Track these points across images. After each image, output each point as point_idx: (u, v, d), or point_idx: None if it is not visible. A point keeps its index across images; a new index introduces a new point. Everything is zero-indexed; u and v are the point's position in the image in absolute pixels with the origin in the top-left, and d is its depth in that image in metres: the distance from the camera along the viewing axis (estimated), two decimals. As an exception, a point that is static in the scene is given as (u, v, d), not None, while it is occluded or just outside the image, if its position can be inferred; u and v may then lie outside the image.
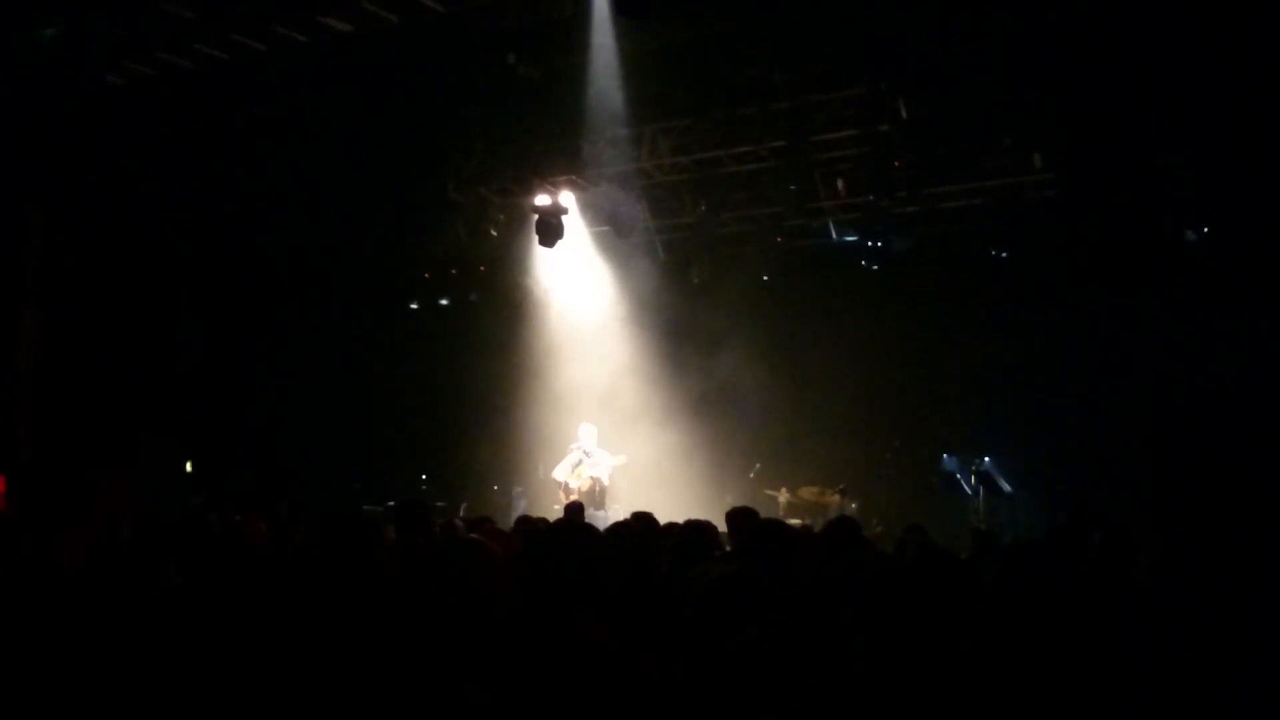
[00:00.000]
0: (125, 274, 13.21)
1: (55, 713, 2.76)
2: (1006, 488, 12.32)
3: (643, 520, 5.58)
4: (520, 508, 13.67)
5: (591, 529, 3.92)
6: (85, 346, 12.78)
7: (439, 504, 13.63)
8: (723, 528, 5.67)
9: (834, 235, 14.09)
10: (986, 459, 12.46)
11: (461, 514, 11.58)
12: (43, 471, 11.62)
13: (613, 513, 11.86)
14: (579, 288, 15.41)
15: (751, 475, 13.96)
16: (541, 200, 13.99)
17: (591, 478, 12.96)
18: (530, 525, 6.41)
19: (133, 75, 11.43)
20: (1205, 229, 11.82)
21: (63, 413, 12.40)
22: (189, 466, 14.10)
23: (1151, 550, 5.02)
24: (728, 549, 5.39)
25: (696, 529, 5.05)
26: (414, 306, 16.43)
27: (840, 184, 13.04)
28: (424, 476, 15.79)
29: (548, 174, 13.94)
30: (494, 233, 14.87)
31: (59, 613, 3.30)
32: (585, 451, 13.14)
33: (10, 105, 10.98)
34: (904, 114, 11.60)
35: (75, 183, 12.19)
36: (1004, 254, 13.02)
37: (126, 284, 13.27)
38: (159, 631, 3.16)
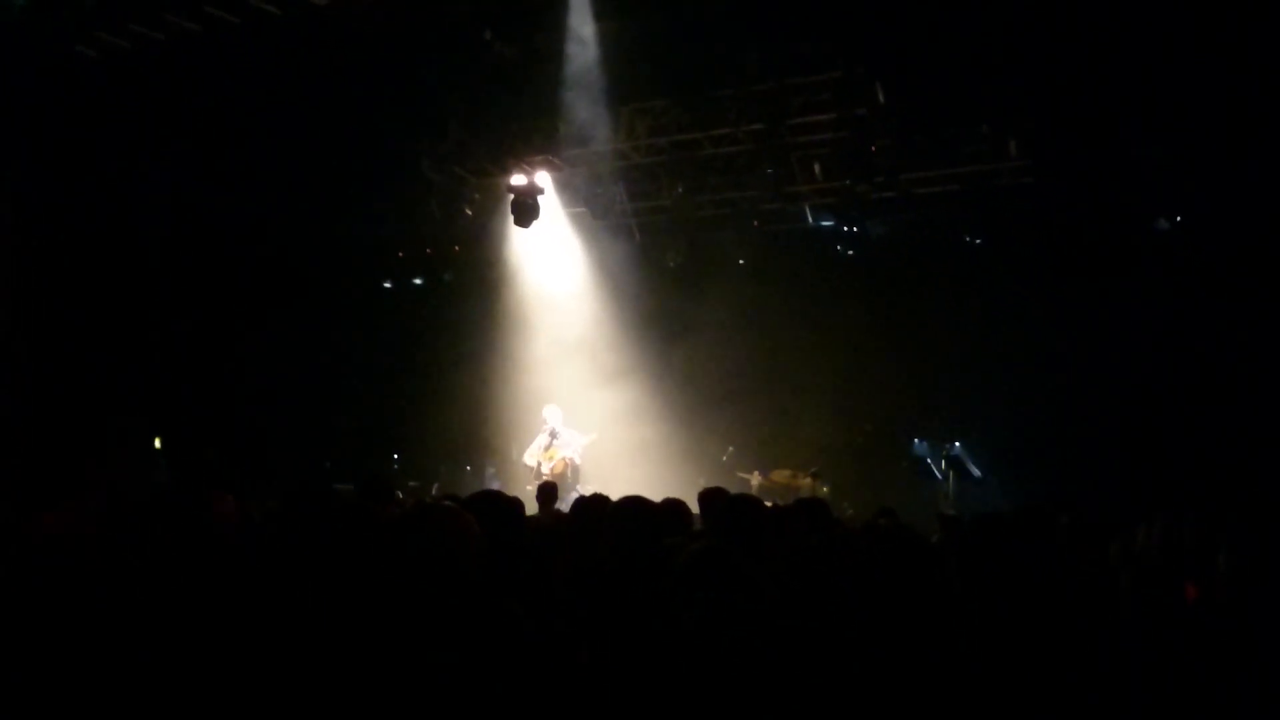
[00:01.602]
0: (94, 251, 13.04)
1: (32, 686, 2.73)
2: (976, 473, 12.41)
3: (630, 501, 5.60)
4: (493, 488, 13.63)
5: (508, 504, 3.93)
6: (53, 324, 12.63)
7: (411, 484, 13.60)
8: (697, 511, 5.67)
9: (810, 220, 14.11)
10: (957, 444, 12.55)
11: (433, 494, 11.56)
12: (17, 450, 11.50)
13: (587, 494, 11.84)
14: (554, 269, 15.36)
15: (725, 459, 13.99)
16: (517, 180, 13.92)
17: (564, 459, 12.95)
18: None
19: (104, 47, 11.25)
20: (1177, 218, 11.90)
21: (32, 391, 12.27)
22: (158, 444, 13.99)
23: (1121, 537, 5.08)
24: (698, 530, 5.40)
25: (671, 508, 5.05)
26: (387, 286, 16.35)
27: (817, 168, 13.04)
28: (395, 456, 15.75)
29: (524, 154, 13.86)
30: (469, 212, 14.76)
31: (33, 589, 3.28)
32: (553, 432, 13.13)
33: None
34: (881, 98, 11.60)
35: (47, 156, 12.03)
36: (978, 240, 13.07)
37: (95, 261, 13.10)
38: (133, 606, 3.13)
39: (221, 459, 13.52)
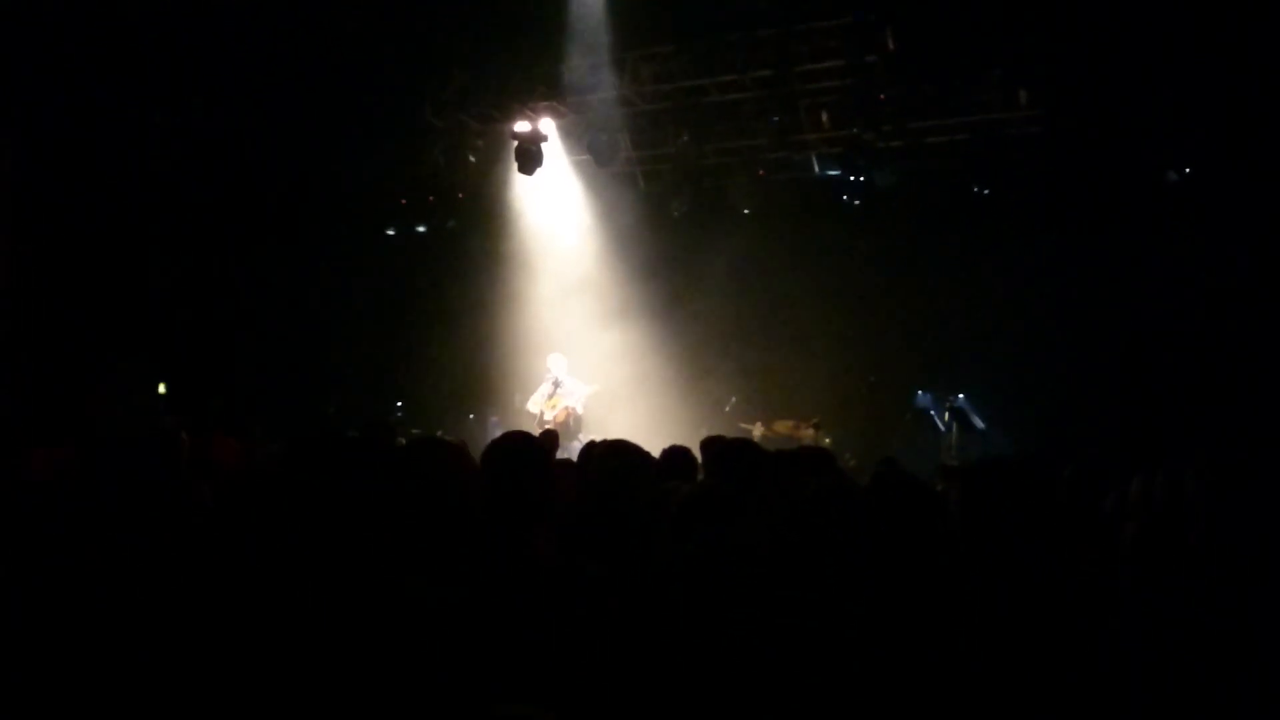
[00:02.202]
0: (97, 193, 12.97)
1: (29, 629, 2.73)
2: (980, 425, 12.39)
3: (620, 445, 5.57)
4: (496, 435, 13.65)
5: (531, 444, 3.90)
6: (57, 266, 12.60)
7: (415, 431, 13.61)
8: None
9: (816, 169, 13.99)
10: (961, 396, 12.51)
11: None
12: (14, 392, 11.52)
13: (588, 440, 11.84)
14: (558, 217, 15.27)
15: (727, 409, 13.98)
16: (521, 127, 13.81)
17: (566, 408, 12.94)
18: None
19: (103, -13, 11.13)
20: (1187, 169, 11.78)
21: (34, 333, 12.26)
22: (163, 389, 14.00)
23: (1122, 490, 5.07)
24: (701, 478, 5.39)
25: (676, 455, 5.05)
26: (390, 233, 16.24)
27: (824, 116, 12.91)
28: (399, 404, 15.75)
29: (528, 100, 13.72)
30: (473, 159, 14.66)
31: (31, 530, 3.28)
32: (556, 381, 13.11)
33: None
34: (891, 46, 11.46)
35: (44, 98, 11.93)
36: (986, 191, 12.94)
37: (98, 204, 13.04)
38: (131, 548, 3.13)
39: (226, 405, 13.54)
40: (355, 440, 4.85)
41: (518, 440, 3.61)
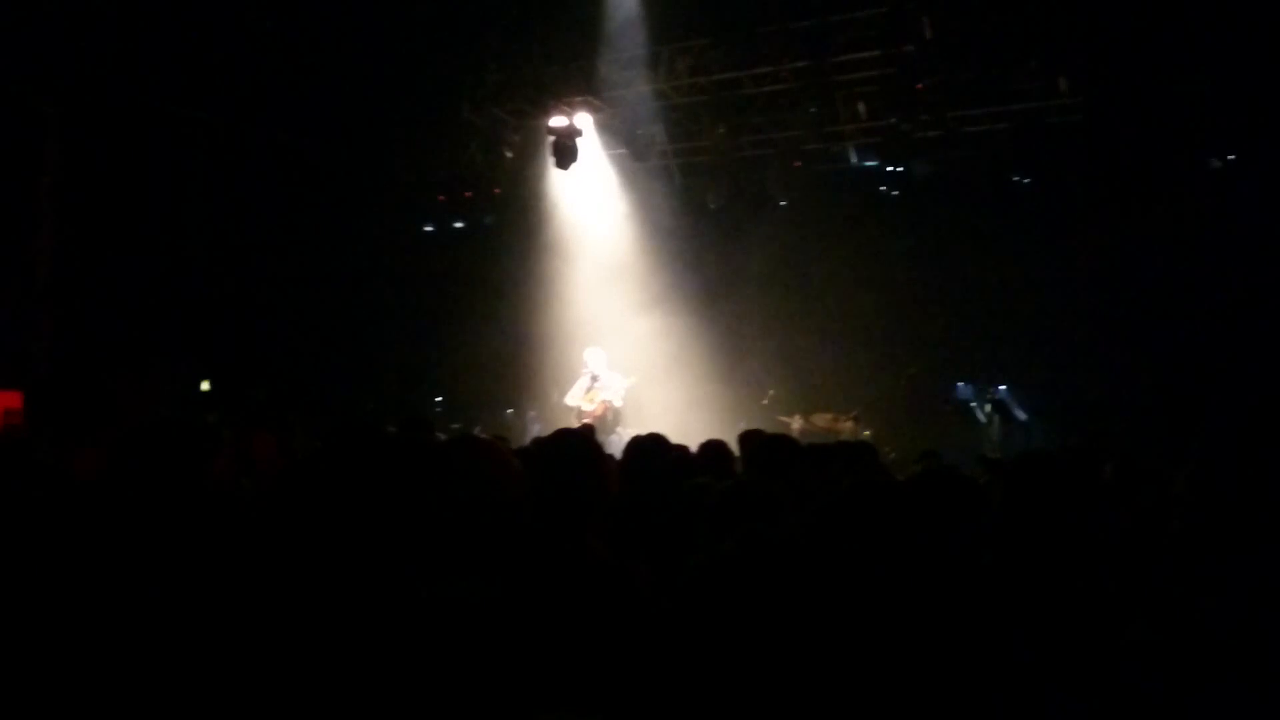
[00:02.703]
0: (138, 192, 13.14)
1: (74, 622, 2.76)
2: (1021, 416, 12.28)
3: (656, 439, 5.57)
4: (534, 431, 13.70)
5: (585, 442, 3.90)
6: (100, 265, 12.77)
7: (454, 426, 13.68)
8: (737, 453, 5.64)
9: (854, 160, 13.90)
10: (1002, 387, 12.41)
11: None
12: (60, 388, 11.68)
13: (627, 436, 11.84)
14: (594, 211, 15.28)
15: (765, 402, 13.95)
16: (557, 122, 13.83)
17: (604, 401, 12.94)
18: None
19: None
20: (1230, 156, 11.60)
21: (79, 332, 12.44)
22: (205, 386, 14.15)
23: (1164, 484, 4.99)
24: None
25: (712, 449, 5.04)
26: (429, 229, 16.33)
27: (861, 107, 12.82)
28: (438, 399, 15.84)
29: (563, 95, 13.75)
30: (509, 155, 14.72)
31: (78, 523, 3.31)
32: (594, 375, 13.11)
33: (22, 18, 10.84)
34: (928, 34, 11.35)
35: (90, 97, 12.09)
36: (1026, 180, 12.81)
37: (140, 203, 13.21)
38: (177, 541, 3.15)
39: (267, 402, 13.68)
40: (393, 436, 4.88)
41: (572, 438, 3.61)
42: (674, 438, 6.06)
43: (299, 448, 5.92)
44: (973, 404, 12.73)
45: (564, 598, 2.49)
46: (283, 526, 2.86)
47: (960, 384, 13.11)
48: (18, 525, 3.38)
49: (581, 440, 3.55)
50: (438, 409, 15.63)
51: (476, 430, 13.29)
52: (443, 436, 8.67)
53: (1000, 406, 12.32)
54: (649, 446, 5.12)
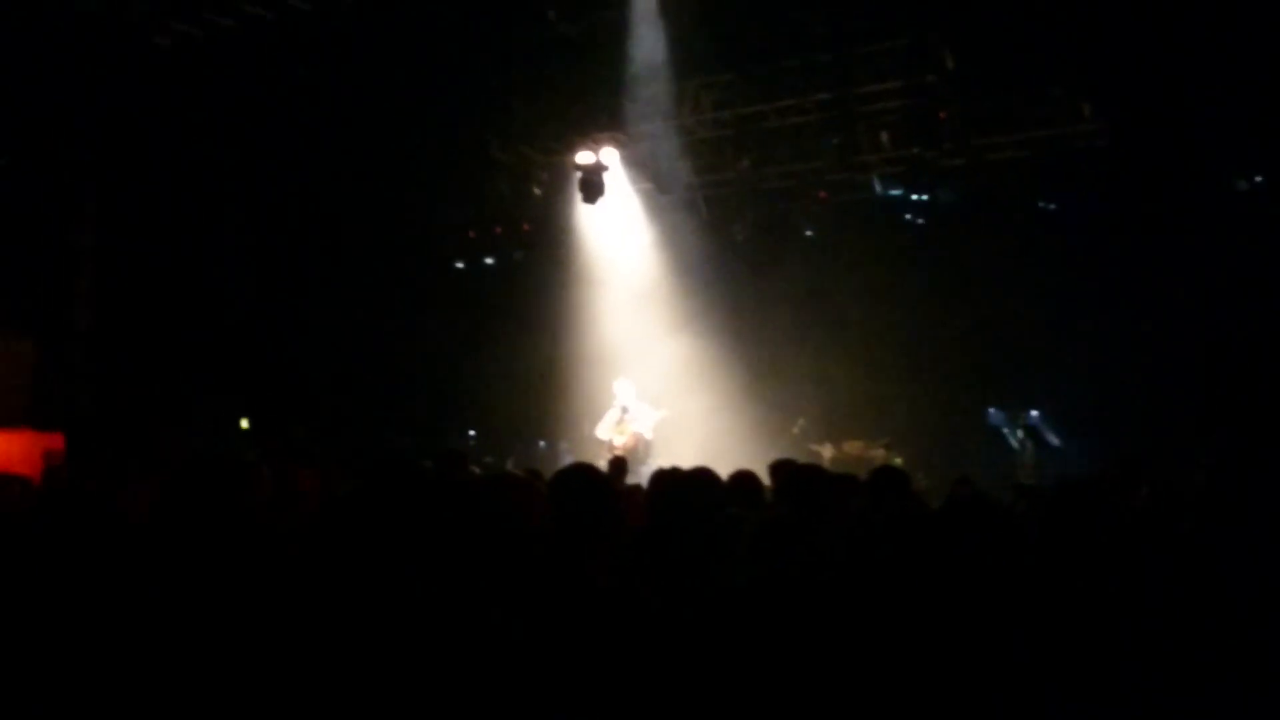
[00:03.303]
0: (176, 235, 13.38)
1: (127, 657, 2.84)
2: (1055, 441, 12.22)
3: (679, 472, 5.65)
4: (567, 463, 13.75)
5: (597, 477, 3.99)
6: (139, 308, 12.99)
7: (487, 459, 13.77)
8: (767, 482, 5.69)
9: (878, 189, 13.95)
10: (1034, 412, 12.36)
11: (509, 469, 11.69)
12: (103, 430, 11.87)
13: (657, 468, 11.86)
14: (622, 245, 15.40)
15: (795, 431, 13.96)
16: (584, 158, 13.99)
17: (634, 433, 13.00)
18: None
19: (179, 36, 11.52)
20: (1257, 178, 11.58)
21: (120, 373, 12.64)
22: (244, 424, 14.34)
23: (1200, 505, 5.00)
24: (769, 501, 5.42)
25: (742, 479, 5.09)
26: (459, 266, 16.51)
27: (885, 137, 12.91)
28: (471, 433, 15.95)
29: (589, 131, 13.92)
30: (537, 191, 14.90)
31: (126, 562, 3.39)
32: (625, 407, 13.17)
33: (58, 69, 11.12)
34: (950, 64, 11.45)
35: (126, 143, 12.35)
36: (1052, 206, 12.82)
37: (178, 245, 13.45)
38: (223, 575, 3.23)
39: (304, 437, 13.83)
40: (428, 473, 4.97)
41: (580, 472, 3.70)
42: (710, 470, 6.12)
43: (336, 484, 6.02)
44: (1004, 430, 12.68)
45: (569, 625, 2.55)
46: (326, 562, 2.95)
47: (991, 410, 13.07)
48: (70, 565, 3.48)
49: (586, 474, 3.65)
50: (471, 442, 15.74)
51: (509, 463, 13.39)
52: (477, 470, 8.77)
53: (1033, 432, 12.27)
54: (673, 479, 5.19)
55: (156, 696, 2.72)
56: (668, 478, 5.38)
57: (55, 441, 11.03)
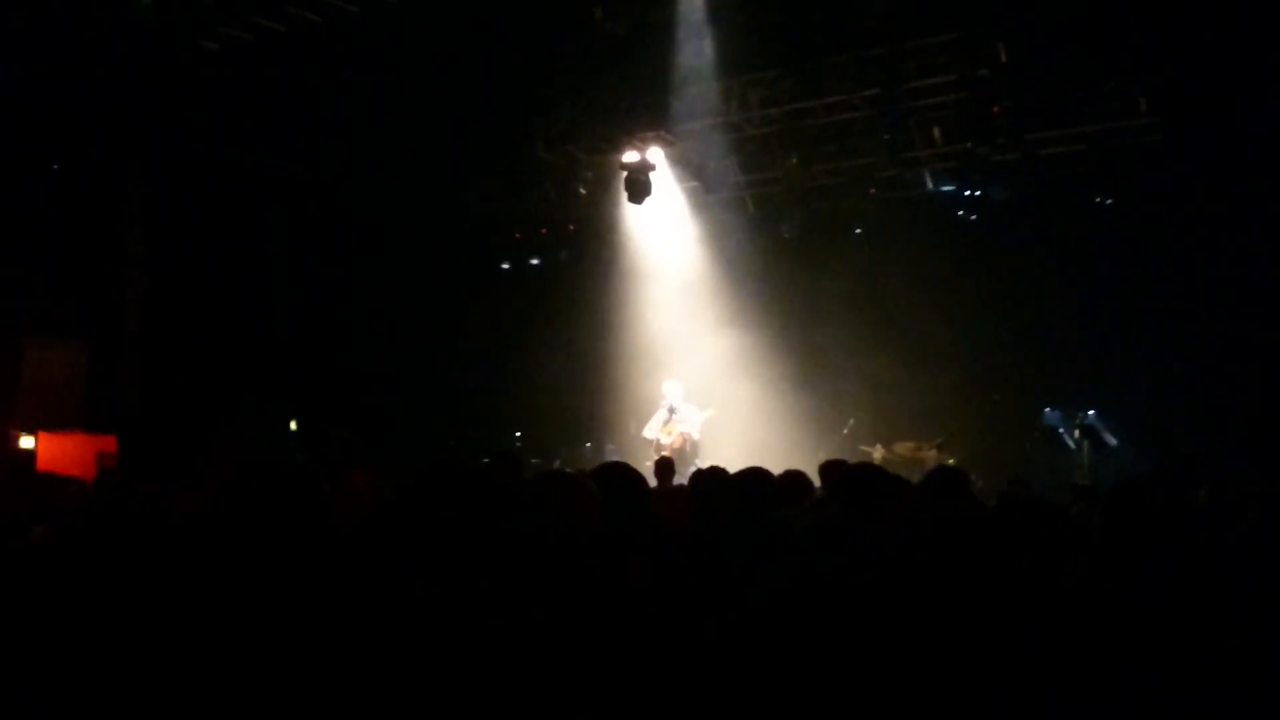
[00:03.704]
0: (225, 238, 13.51)
1: (179, 653, 2.83)
2: (1112, 441, 11.97)
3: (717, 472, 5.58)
4: (616, 460, 13.69)
5: (634, 475, 3.92)
6: (189, 311, 13.13)
7: (534, 460, 13.76)
8: (818, 483, 5.58)
9: (930, 185, 13.78)
10: (1091, 412, 12.11)
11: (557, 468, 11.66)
12: (154, 432, 12.02)
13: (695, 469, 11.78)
14: (668, 244, 15.34)
15: (845, 431, 13.80)
16: (630, 157, 13.94)
17: (682, 434, 12.92)
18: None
19: (227, 40, 11.62)
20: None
21: (170, 376, 12.79)
22: (293, 425, 14.45)
23: (1262, 505, 4.84)
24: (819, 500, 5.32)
25: (792, 479, 4.99)
26: (505, 267, 16.54)
27: (936, 132, 12.75)
28: (518, 434, 15.96)
29: (635, 130, 13.86)
30: (583, 191, 14.87)
31: (176, 561, 3.39)
32: (672, 407, 13.10)
33: (108, 73, 11.25)
34: (1003, 58, 11.27)
35: (173, 148, 12.48)
36: (1108, 201, 12.58)
37: (226, 248, 13.58)
38: (274, 575, 3.22)
39: (354, 440, 13.91)
40: (479, 473, 4.93)
41: (613, 471, 3.65)
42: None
43: (386, 485, 6.01)
44: (1060, 430, 12.44)
45: (607, 624, 2.50)
46: (381, 563, 2.91)
47: (1047, 409, 12.81)
48: (124, 562, 3.48)
49: (623, 473, 3.59)
50: (517, 444, 15.75)
51: (556, 465, 13.36)
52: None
53: (1089, 431, 12.00)
54: (714, 479, 5.14)
55: (208, 692, 2.71)
56: (708, 478, 5.32)
57: (108, 444, 11.19)
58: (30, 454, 10.82)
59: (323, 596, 2.95)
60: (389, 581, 2.89)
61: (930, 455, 12.81)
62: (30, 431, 11.06)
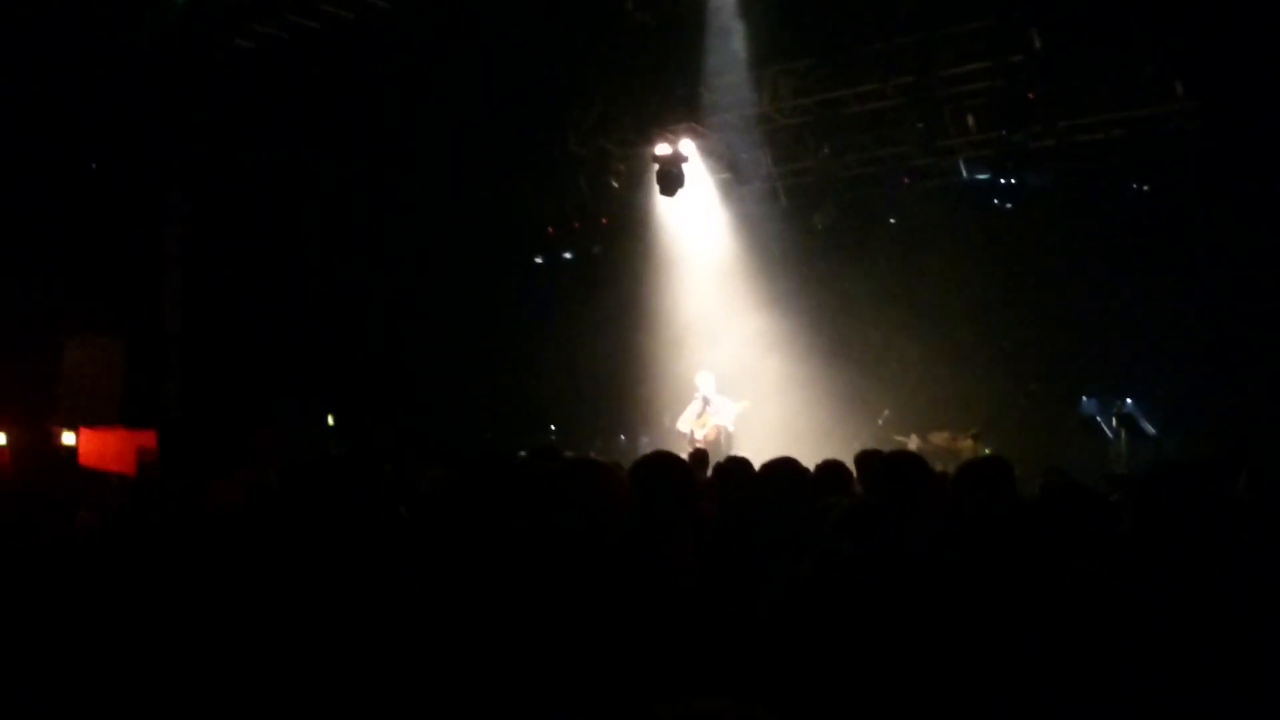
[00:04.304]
0: (261, 234, 13.62)
1: (218, 646, 2.86)
2: (1150, 430, 11.83)
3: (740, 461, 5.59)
4: (648, 452, 13.71)
5: (681, 464, 3.91)
6: (226, 307, 13.25)
7: (568, 454, 13.76)
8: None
9: (964, 174, 13.67)
10: (1129, 400, 11.97)
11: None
12: (195, 427, 12.14)
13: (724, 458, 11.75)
14: (700, 236, 15.31)
15: (880, 421, 13.73)
16: (662, 149, 13.92)
17: (716, 426, 12.89)
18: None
19: (261, 38, 11.71)
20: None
21: (208, 371, 12.92)
22: (330, 420, 14.54)
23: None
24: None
25: (829, 469, 4.99)
26: (539, 261, 16.57)
27: (970, 120, 12.65)
28: (553, 427, 15.99)
29: (667, 122, 13.85)
30: (615, 184, 14.87)
31: (216, 554, 3.43)
32: (706, 399, 13.07)
33: (143, 72, 11.36)
34: (1038, 44, 11.15)
35: (210, 146, 12.59)
36: (1145, 187, 12.44)
37: (262, 244, 13.69)
38: (312, 570, 3.24)
39: (391, 434, 13.99)
40: (524, 464, 4.97)
41: (661, 461, 3.64)
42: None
43: (424, 478, 6.05)
44: (1098, 418, 12.30)
45: (652, 616, 2.50)
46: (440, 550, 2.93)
47: (1085, 398, 12.68)
48: (167, 554, 3.52)
49: (671, 462, 3.58)
50: (552, 437, 15.78)
51: (591, 455, 13.36)
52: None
53: (1127, 420, 11.87)
54: (736, 469, 5.17)
55: (253, 681, 2.74)
56: (733, 468, 5.33)
57: (147, 439, 11.30)
58: (72, 450, 10.95)
59: (386, 584, 2.98)
60: (450, 568, 2.92)
61: (966, 445, 12.73)
62: (71, 427, 11.19)
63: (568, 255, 16.45)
